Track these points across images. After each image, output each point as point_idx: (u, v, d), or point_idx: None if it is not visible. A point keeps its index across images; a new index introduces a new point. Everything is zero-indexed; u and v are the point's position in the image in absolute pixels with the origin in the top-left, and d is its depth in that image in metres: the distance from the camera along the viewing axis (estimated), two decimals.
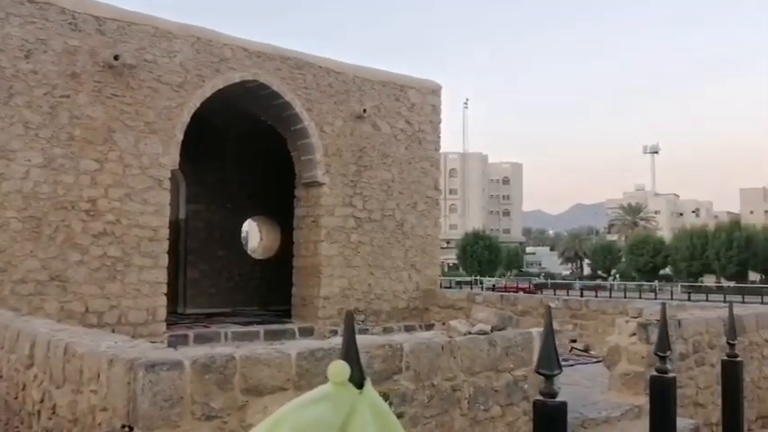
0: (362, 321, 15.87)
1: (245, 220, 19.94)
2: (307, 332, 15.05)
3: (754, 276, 59.57)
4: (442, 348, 6.25)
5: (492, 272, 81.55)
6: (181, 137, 13.44)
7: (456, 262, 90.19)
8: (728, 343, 5.23)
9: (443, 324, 16.61)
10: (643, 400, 8.32)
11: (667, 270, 63.39)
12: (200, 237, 18.40)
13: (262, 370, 5.12)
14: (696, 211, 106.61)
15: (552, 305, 14.39)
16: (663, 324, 3.61)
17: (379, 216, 16.26)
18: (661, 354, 3.24)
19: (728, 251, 54.21)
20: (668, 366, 3.49)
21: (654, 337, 8.60)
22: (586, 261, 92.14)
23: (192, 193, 18.27)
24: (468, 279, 72.31)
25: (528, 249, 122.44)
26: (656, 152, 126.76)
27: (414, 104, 16.99)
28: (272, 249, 20.17)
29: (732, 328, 5.47)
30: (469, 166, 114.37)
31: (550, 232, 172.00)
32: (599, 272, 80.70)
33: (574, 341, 13.11)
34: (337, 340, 6.60)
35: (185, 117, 13.48)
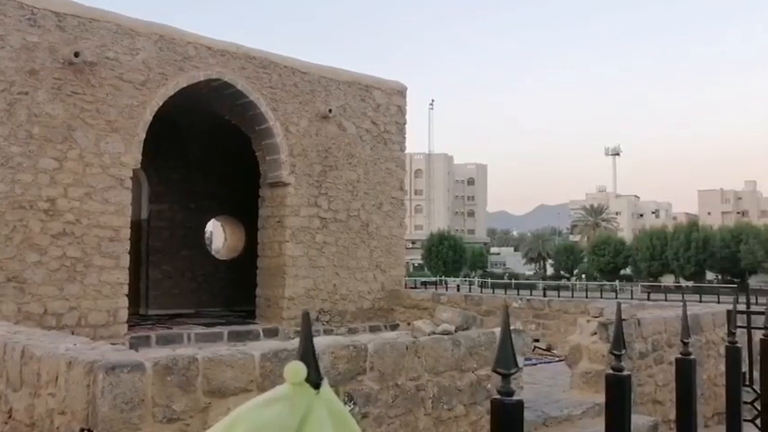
0: (327, 322, 15.85)
1: (209, 219, 19.73)
2: (271, 333, 14.96)
3: (711, 276, 61.01)
4: (407, 348, 6.28)
5: (457, 272, 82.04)
6: (143, 136, 13.24)
7: (421, 262, 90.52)
8: (682, 341, 5.37)
9: (408, 324, 16.70)
10: (604, 398, 8.49)
11: (628, 270, 64.57)
12: (163, 237, 18.15)
13: (225, 371, 5.09)
14: (656, 213, 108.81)
15: (515, 305, 14.57)
16: (618, 323, 3.68)
17: (344, 216, 16.24)
18: (616, 352, 3.33)
19: (687, 251, 55.47)
20: (623, 365, 3.57)
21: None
22: (549, 261, 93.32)
23: (155, 193, 18.02)
24: (434, 279, 72.65)
25: (492, 250, 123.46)
26: (618, 154, 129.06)
27: (379, 105, 17.02)
28: (237, 249, 20.01)
29: (685, 327, 5.62)
30: (435, 166, 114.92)
31: (515, 233, 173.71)
32: (562, 272, 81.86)
33: (537, 340, 13.27)
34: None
35: (148, 116, 13.28)
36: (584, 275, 71.45)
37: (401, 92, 17.63)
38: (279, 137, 15.15)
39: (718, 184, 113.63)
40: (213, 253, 20.81)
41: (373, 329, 16.26)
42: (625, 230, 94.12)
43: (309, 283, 15.55)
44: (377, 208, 16.91)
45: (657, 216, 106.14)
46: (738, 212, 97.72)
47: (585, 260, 69.59)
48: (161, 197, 18.10)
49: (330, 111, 15.82)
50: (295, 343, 6.05)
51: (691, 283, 54.59)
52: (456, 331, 6.91)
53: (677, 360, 5.07)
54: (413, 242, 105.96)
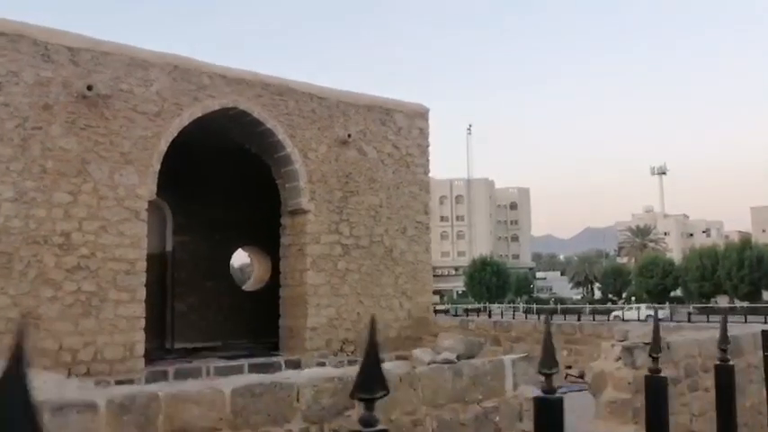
0: (352, 352, 15.38)
1: (235, 250, 19.57)
2: (294, 364, 14.55)
3: None
4: (400, 380, 5.81)
5: (501, 298, 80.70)
6: (158, 167, 13.14)
7: (464, 289, 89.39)
8: (720, 348, 5.00)
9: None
10: (631, 429, 7.80)
11: (678, 292, 62.37)
12: (188, 268, 18.03)
13: (190, 409, 4.69)
14: (707, 232, 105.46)
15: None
16: (656, 327, 3.38)
17: (367, 242, 15.85)
18: (654, 355, 3.40)
19: (740, 271, 53.25)
20: (660, 367, 3.64)
21: (640, 360, 8.10)
22: (597, 285, 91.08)
23: (179, 225, 17.94)
24: (477, 306, 71.56)
25: (538, 274, 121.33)
26: (664, 173, 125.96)
27: (401, 128, 16.68)
28: (264, 280, 19.76)
29: (724, 335, 5.10)
30: (475, 191, 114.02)
31: (561, 257, 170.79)
32: (610, 295, 79.68)
33: (569, 367, 12.56)
34: (281, 375, 6.16)
35: (162, 146, 13.20)
36: (633, 298, 69.35)
37: (423, 114, 17.28)
38: (297, 163, 14.92)
39: None
40: (239, 284, 20.59)
41: (401, 359, 15.71)
42: (674, 251, 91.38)
43: (332, 312, 15.15)
44: (401, 233, 16.48)
45: (708, 235, 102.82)
46: None
47: (633, 283, 67.51)
48: (184, 228, 18.01)
49: (349, 135, 15.55)
50: (275, 377, 5.63)
51: (746, 304, 52.30)
52: (459, 360, 6.40)
53: (716, 366, 4.50)
54: (456, 269, 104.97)
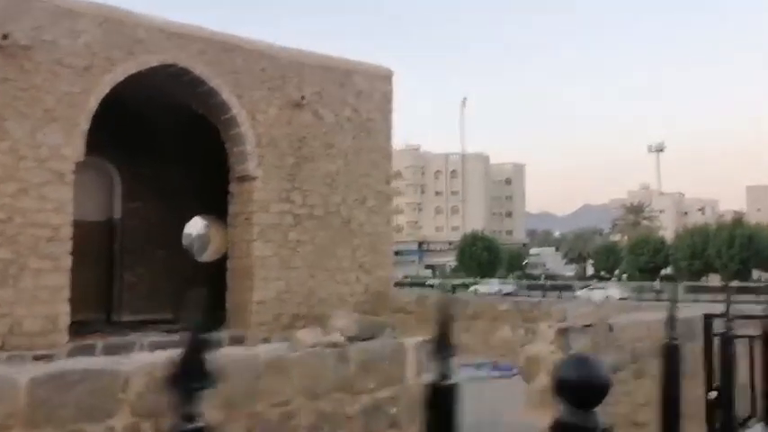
0: (303, 327, 14.51)
1: (190, 218, 18.60)
2: (238, 340, 13.71)
3: (758, 275, 57.75)
4: (267, 366, 4.91)
5: (492, 273, 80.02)
6: (86, 126, 12.15)
7: (456, 264, 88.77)
8: (668, 326, 4.41)
9: (393, 329, 15.23)
10: None
11: (669, 270, 61.68)
12: (138, 237, 17.10)
13: None
14: (702, 210, 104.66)
15: (502, 308, 13.03)
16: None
17: (321, 212, 14.92)
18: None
19: (730, 249, 52.42)
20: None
21: (577, 345, 7.22)
22: (590, 261, 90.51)
23: (129, 190, 16.97)
24: (468, 281, 70.96)
25: (532, 251, 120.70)
26: (662, 150, 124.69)
27: (361, 91, 15.65)
28: (222, 251, 18.83)
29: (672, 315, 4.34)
30: (470, 166, 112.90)
31: (556, 234, 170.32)
32: (602, 272, 79.06)
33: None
34: (109, 360, 5.22)
35: (92, 104, 12.19)
36: (624, 275, 68.74)
37: (386, 76, 16.23)
38: (244, 126, 13.92)
39: None
40: (197, 254, 19.63)
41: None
42: (669, 229, 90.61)
43: (281, 285, 14.27)
44: (360, 203, 15.54)
45: (703, 213, 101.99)
46: None
47: (624, 260, 66.80)
48: (135, 195, 17.04)
49: (303, 97, 14.53)
50: (99, 362, 4.72)
51: (736, 283, 51.56)
52: (351, 342, 5.51)
53: (663, 347, 4.14)
54: (450, 243, 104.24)
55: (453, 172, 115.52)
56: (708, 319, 6.50)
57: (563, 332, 7.01)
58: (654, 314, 8.38)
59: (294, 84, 14.58)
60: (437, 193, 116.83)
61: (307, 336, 5.39)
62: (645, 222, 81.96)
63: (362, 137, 15.62)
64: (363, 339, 5.76)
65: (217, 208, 18.16)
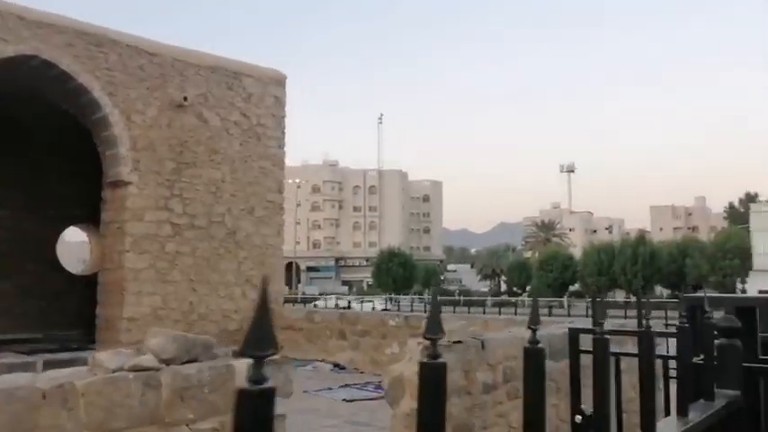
0: None
1: (65, 228, 17.16)
2: None
3: (663, 291, 59.91)
4: (44, 397, 4.01)
5: (407, 289, 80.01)
6: None
7: (373, 280, 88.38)
8: (530, 327, 3.66)
9: (282, 348, 14.33)
10: None
11: (577, 286, 63.19)
12: (5, 248, 15.56)
13: None
14: (609, 228, 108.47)
15: (392, 323, 12.40)
16: (435, 308, 1.84)
17: (204, 222, 13.92)
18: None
19: (634, 266, 54.14)
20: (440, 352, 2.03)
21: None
22: (503, 278, 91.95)
23: None
24: (383, 297, 70.56)
25: (450, 267, 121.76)
26: (573, 171, 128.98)
27: (251, 95, 14.80)
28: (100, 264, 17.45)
29: (535, 313, 3.72)
30: (388, 183, 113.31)
31: (473, 250, 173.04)
32: (514, 288, 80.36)
33: None
34: None
35: None
36: (535, 291, 69.93)
37: (279, 80, 15.45)
38: (118, 127, 12.81)
39: (671, 201, 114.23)
40: (74, 267, 18.13)
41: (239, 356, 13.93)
42: (578, 246, 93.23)
43: (157, 300, 13.16)
44: (247, 213, 14.63)
45: (611, 232, 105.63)
46: (689, 228, 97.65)
47: (534, 276, 68.06)
48: (1, 202, 15.52)
49: (185, 98, 13.55)
50: None
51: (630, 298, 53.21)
52: (168, 365, 4.69)
53: (525, 350, 2.98)
54: (367, 260, 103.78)
55: (372, 188, 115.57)
56: (574, 333, 6.02)
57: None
58: (523, 330, 7.90)
59: (176, 84, 13.59)
60: (355, 209, 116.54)
61: (109, 358, 4.52)
62: (555, 239, 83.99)
63: (252, 143, 14.75)
64: (189, 361, 4.94)
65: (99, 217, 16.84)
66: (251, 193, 14.67)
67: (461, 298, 68.06)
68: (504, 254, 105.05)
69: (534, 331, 2.86)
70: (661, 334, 5.76)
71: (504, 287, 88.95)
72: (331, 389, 9.82)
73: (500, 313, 47.83)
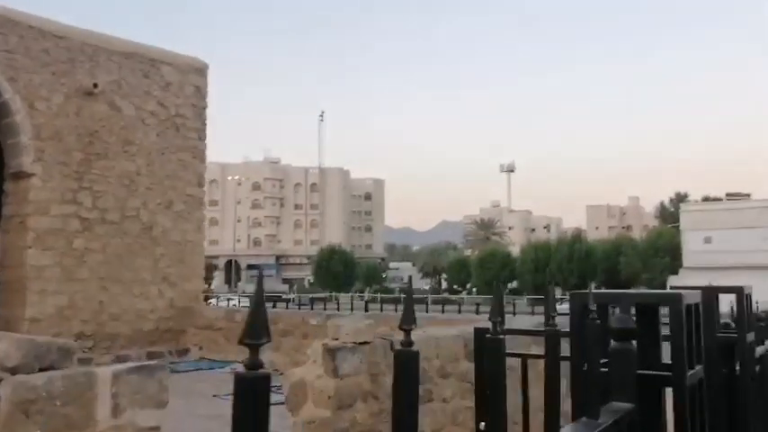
0: (90, 349, 12.62)
1: None
2: None
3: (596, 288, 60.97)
4: None
5: (349, 287, 79.73)
6: None
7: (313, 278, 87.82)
8: (402, 329, 3.16)
9: (200, 349, 13.65)
10: None
11: (515, 284, 63.93)
12: None
13: None
14: (547, 227, 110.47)
15: (313, 322, 11.90)
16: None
17: (117, 217, 13.12)
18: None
19: (569, 263, 55.07)
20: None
21: (347, 367, 6.17)
22: (444, 276, 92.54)
23: None
24: (323, 296, 70.05)
25: (392, 265, 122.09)
26: (512, 170, 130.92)
27: (169, 83, 14.06)
28: None
29: (408, 313, 3.25)
30: (330, 180, 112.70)
31: (415, 248, 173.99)
32: (455, 286, 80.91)
33: None
34: None
35: None
36: (474, 289, 70.56)
37: (200, 69, 14.74)
38: (19, 114, 11.91)
39: (607, 200, 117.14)
40: None
41: (154, 356, 13.16)
42: (518, 245, 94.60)
43: (63, 300, 12.31)
44: (165, 207, 13.88)
45: (549, 230, 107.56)
46: (623, 227, 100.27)
47: (473, 274, 68.63)
48: None
49: (95, 85, 12.72)
50: None
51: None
52: (14, 375, 4.09)
53: (395, 354, 2.38)
54: (308, 258, 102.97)
55: (313, 185, 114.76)
56: (479, 334, 5.66)
57: (330, 352, 5.93)
58: (448, 329, 7.55)
59: (86, 69, 12.75)
60: (297, 207, 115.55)
61: None
62: (494, 238, 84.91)
63: (169, 134, 14.01)
64: (41, 369, 4.36)
65: None
66: (169, 187, 13.93)
67: (401, 296, 68.05)
68: (444, 252, 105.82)
69: (407, 332, 2.36)
70: (567, 334, 5.38)
71: (444, 285, 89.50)
72: None
73: (443, 311, 47.85)
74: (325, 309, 45.98)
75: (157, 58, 13.97)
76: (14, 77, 11.89)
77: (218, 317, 13.52)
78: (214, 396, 9.68)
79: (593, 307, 2.84)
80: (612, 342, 2.50)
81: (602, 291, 3.03)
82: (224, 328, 13.20)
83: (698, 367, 2.73)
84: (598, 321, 2.64)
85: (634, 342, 2.54)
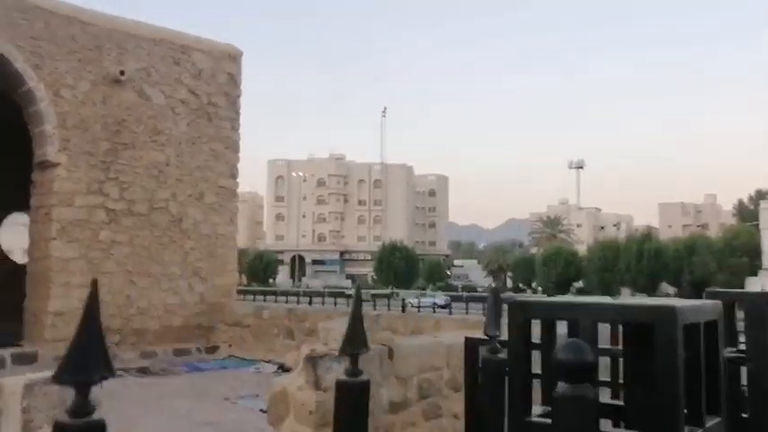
0: (116, 344, 12.27)
1: (6, 215, 16.02)
2: (27, 359, 11.38)
3: (668, 289, 58.42)
4: None
5: (410, 284, 79.02)
6: None
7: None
8: (345, 354, 2.52)
9: (230, 346, 13.11)
10: None
11: (581, 283, 61.79)
12: None
13: None
14: (617, 225, 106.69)
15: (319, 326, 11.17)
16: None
17: (145, 209, 12.73)
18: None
19: (639, 263, 52.63)
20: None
21: (331, 377, 5.39)
22: (509, 274, 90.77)
23: None
24: (385, 292, 69.63)
25: (456, 262, 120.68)
26: (581, 167, 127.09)
27: (201, 71, 13.59)
28: None
29: (354, 332, 2.51)
30: (393, 177, 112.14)
31: (481, 246, 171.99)
32: (519, 284, 79.14)
33: None
34: None
35: None
36: (539, 288, 68.73)
37: (233, 56, 14.21)
38: (44, 102, 11.63)
39: (680, 198, 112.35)
40: (13, 257, 16.93)
41: (181, 353, 12.74)
42: (586, 243, 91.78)
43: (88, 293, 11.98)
44: (195, 199, 13.43)
45: (618, 228, 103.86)
46: (699, 225, 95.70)
47: (537, 273, 66.75)
48: None
49: (122, 72, 12.35)
50: None
51: (644, 296, 51.72)
52: None
53: (337, 384, 1.43)
54: (371, 254, 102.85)
55: (377, 182, 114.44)
56: (471, 343, 4.77)
57: (311, 360, 5.16)
58: (456, 335, 6.62)
59: (113, 57, 12.39)
60: (360, 203, 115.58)
61: None
62: (561, 235, 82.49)
63: (201, 124, 13.54)
64: None
65: None
66: (200, 178, 13.46)
67: (464, 294, 66.93)
68: (510, 250, 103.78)
69: (355, 357, 1.74)
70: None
71: (510, 283, 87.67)
72: (258, 395, 8.63)
73: None
74: (389, 308, 44.28)
75: (189, 45, 13.51)
76: (39, 65, 11.62)
77: (247, 313, 12.96)
78: (225, 399, 9.08)
79: (496, 333, 2.07)
80: (559, 384, 1.65)
81: (543, 299, 2.11)
82: (252, 325, 12.64)
83: (712, 422, 1.80)
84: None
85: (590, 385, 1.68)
